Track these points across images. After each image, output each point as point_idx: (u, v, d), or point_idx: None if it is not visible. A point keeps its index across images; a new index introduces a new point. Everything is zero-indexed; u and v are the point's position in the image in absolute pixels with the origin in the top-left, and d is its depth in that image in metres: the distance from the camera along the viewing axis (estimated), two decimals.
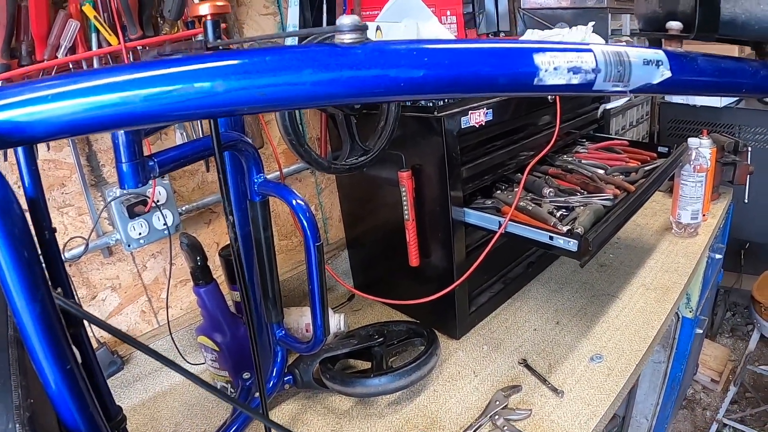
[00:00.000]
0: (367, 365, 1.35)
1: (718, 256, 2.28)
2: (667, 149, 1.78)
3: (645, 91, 0.66)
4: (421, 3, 1.54)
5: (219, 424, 1.23)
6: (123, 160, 0.79)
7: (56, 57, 1.14)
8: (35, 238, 0.90)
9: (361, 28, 0.49)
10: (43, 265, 0.90)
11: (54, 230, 0.93)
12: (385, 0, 1.51)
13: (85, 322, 0.92)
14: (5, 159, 1.17)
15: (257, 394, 1.21)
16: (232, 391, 1.33)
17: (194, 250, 1.22)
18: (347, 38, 0.49)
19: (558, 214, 1.33)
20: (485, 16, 2.33)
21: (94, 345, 1.36)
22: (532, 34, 1.72)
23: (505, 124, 1.48)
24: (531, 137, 1.60)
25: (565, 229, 1.25)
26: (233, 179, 1.08)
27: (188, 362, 1.47)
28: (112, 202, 1.31)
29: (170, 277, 1.48)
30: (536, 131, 1.63)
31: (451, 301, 1.44)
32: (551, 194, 1.43)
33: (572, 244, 1.21)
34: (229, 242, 1.42)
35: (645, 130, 2.93)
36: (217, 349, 1.29)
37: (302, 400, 1.35)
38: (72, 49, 1.16)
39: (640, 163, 1.68)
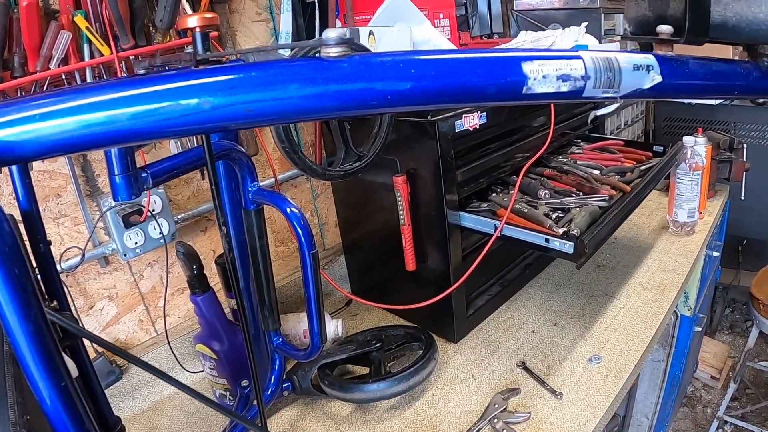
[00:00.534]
0: (365, 371, 1.35)
1: (715, 254, 2.28)
2: (662, 148, 1.78)
3: (636, 97, 0.66)
4: (413, 6, 1.54)
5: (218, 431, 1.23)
6: (116, 173, 0.78)
7: (49, 68, 1.14)
8: (30, 252, 0.90)
9: (347, 41, 0.49)
10: (38, 278, 0.90)
11: (49, 243, 0.93)
12: (377, 4, 1.52)
13: None
14: None
15: (255, 402, 1.21)
16: (231, 399, 1.33)
17: (190, 258, 1.22)
18: (333, 52, 0.49)
19: (554, 216, 1.33)
20: (478, 18, 2.34)
21: (92, 355, 1.36)
22: (525, 36, 1.73)
23: (500, 127, 1.48)
24: (526, 139, 1.60)
25: (560, 231, 1.25)
26: (227, 188, 1.08)
27: (187, 370, 1.47)
28: (108, 212, 1.31)
29: (167, 285, 1.48)
30: (531, 133, 1.63)
31: (449, 304, 1.44)
32: (547, 196, 1.43)
33: (568, 246, 1.21)
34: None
35: (640, 130, 2.93)
36: (215, 357, 1.28)
37: (301, 406, 1.35)
38: (64, 60, 1.16)
39: (635, 163, 1.68)
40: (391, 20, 1.47)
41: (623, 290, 1.67)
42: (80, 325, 1.30)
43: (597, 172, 1.60)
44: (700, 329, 2.29)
